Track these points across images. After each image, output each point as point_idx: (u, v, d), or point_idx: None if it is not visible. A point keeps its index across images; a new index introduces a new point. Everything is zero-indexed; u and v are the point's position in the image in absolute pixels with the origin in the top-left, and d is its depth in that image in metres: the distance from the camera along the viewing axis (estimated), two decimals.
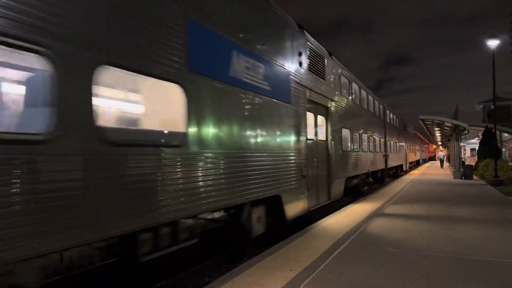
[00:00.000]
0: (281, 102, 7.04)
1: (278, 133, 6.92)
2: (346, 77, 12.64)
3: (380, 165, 18.46)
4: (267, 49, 6.58)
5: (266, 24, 6.76)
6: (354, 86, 13.97)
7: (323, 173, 9.62)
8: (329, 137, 10.18)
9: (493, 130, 20.89)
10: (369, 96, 16.80)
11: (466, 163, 25.07)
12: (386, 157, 19.81)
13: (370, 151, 15.90)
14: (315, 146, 9.13)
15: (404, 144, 30.25)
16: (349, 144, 12.39)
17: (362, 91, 15.41)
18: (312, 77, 9.02)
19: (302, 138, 8.04)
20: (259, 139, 6.21)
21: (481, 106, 43.91)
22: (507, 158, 30.08)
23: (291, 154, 7.48)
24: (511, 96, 44.65)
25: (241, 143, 5.69)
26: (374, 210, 9.55)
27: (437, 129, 33.52)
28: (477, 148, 29.95)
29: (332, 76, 10.79)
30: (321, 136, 9.78)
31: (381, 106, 20.04)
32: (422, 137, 53.77)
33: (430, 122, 27.59)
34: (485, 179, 19.61)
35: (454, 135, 25.47)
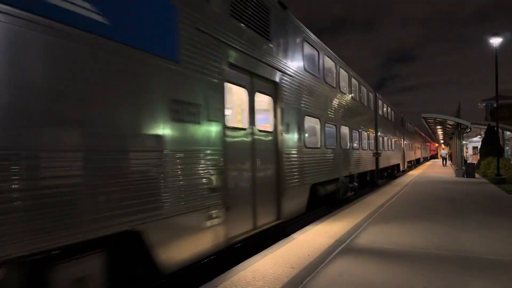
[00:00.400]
0: (144, 54, 3.80)
1: (135, 114, 3.69)
2: (313, 47, 9.39)
3: (370, 166, 15.64)
4: None
5: None
6: (328, 61, 10.65)
7: (267, 180, 6.53)
8: (280, 128, 7.00)
9: (496, 128, 20.79)
10: (353, 79, 13.44)
11: (468, 161, 25.01)
12: (377, 155, 17.06)
13: (353, 149, 12.87)
14: (249, 140, 6.04)
15: (402, 141, 27.83)
16: (319, 139, 9.39)
17: (341, 70, 12.00)
18: (242, 30, 5.86)
19: (213, 127, 4.91)
20: (63, 127, 3.02)
21: (484, 104, 43.69)
22: (509, 156, 29.95)
23: (178, 153, 4.23)
24: None
25: None
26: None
27: (439, 127, 33.39)
28: (479, 146, 29.84)
29: (287, 40, 7.65)
30: (265, 126, 6.71)
31: (371, 94, 16.79)
32: (423, 134, 53.46)
33: (432, 120, 27.50)
34: (487, 177, 19.55)
35: (456, 133, 25.40)
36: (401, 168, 27.08)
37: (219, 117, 5.08)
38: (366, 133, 15.21)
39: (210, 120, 4.88)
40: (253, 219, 6.07)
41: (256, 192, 6.15)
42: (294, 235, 6.52)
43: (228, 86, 5.38)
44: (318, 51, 9.76)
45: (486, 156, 23.76)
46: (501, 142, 26.67)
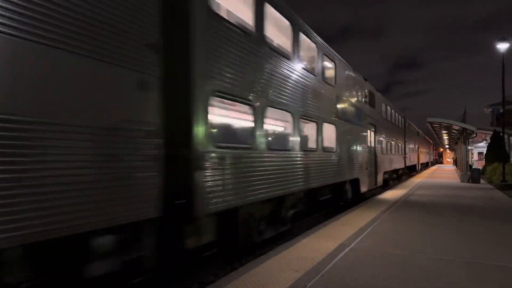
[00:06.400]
0: (357, 126, 12.95)
1: (356, 143, 12.87)
2: (384, 104, 17.95)
3: (401, 164, 23.07)
4: None
5: None
6: (388, 108, 19.26)
7: (372, 168, 15.25)
8: (375, 145, 15.63)
9: (502, 134, 20.67)
10: (396, 113, 22.15)
11: (473, 167, 24.86)
12: (405, 157, 24.89)
13: (396, 153, 21.04)
14: (370, 150, 14.87)
15: (417, 147, 34.57)
16: (385, 148, 17.62)
17: (392, 110, 20.34)
18: (368, 107, 14.73)
19: (364, 146, 13.76)
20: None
21: (490, 109, 43.51)
22: None
23: (360, 155, 13.15)
24: None
25: None
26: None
27: (444, 132, 33.29)
28: (484, 151, 29.64)
29: (379, 103, 16.64)
30: (371, 144, 15.09)
31: (402, 118, 25.02)
32: (430, 141, 54.13)
33: (438, 125, 27.41)
34: (493, 183, 19.41)
35: (461, 138, 25.27)
36: (417, 168, 34.50)
37: (367, 142, 13.73)
38: (401, 144, 23.23)
39: (365, 144, 13.45)
40: (372, 182, 14.57)
41: (370, 172, 14.21)
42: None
43: (368, 130, 13.89)
44: (385, 105, 18.26)
45: (491, 161, 23.58)
46: (507, 148, 26.45)
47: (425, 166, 45.61)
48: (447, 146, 66.63)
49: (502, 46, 17.74)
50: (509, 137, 30.24)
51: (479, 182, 19.98)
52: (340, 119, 10.49)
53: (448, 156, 75.21)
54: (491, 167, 22.15)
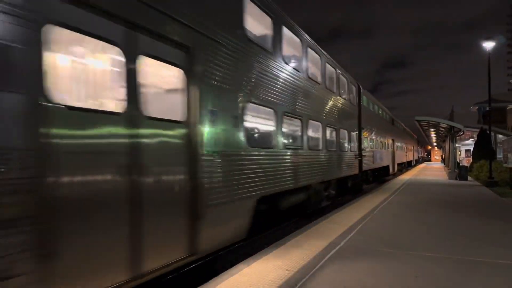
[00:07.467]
0: None
1: None
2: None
3: (352, 170, 12.98)
4: None
5: None
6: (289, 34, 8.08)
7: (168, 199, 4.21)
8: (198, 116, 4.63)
9: (488, 132, 21.00)
10: (328, 64, 10.59)
11: (461, 164, 25.23)
12: (360, 157, 14.29)
13: (328, 149, 9.95)
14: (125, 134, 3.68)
15: (391, 142, 25.44)
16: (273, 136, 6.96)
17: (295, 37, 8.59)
18: None
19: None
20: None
21: (477, 107, 44.24)
22: (501, 159, 30.22)
23: None
24: (506, 98, 45.10)
25: None
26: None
27: (432, 130, 33.69)
28: (472, 149, 30.09)
29: None
30: (164, 112, 4.23)
31: (353, 87, 14.21)
32: (414, 135, 52.63)
33: (425, 123, 27.71)
34: (480, 180, 19.73)
35: (449, 136, 25.63)
36: (391, 171, 24.75)
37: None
38: (353, 133, 13.21)
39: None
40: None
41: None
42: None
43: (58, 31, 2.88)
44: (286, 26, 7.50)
45: (478, 159, 23.93)
46: (493, 145, 26.91)
47: (408, 165, 40.69)
48: (435, 144, 67.37)
49: (488, 45, 17.98)
50: (495, 135, 30.77)
51: (466, 179, 20.31)
52: None
53: (436, 154, 76.24)
54: (478, 164, 22.48)
